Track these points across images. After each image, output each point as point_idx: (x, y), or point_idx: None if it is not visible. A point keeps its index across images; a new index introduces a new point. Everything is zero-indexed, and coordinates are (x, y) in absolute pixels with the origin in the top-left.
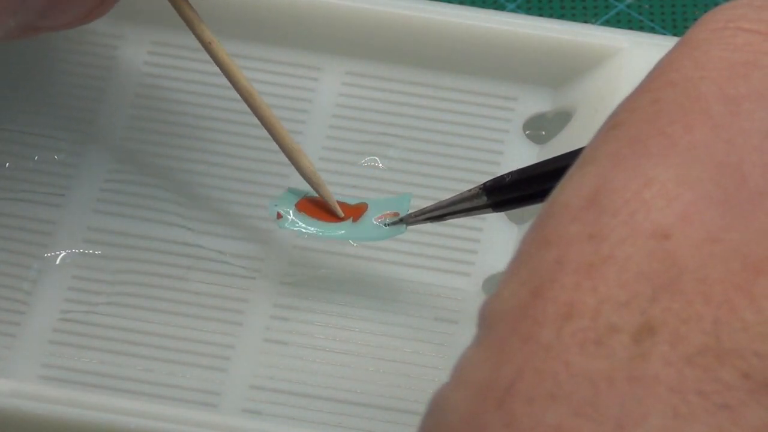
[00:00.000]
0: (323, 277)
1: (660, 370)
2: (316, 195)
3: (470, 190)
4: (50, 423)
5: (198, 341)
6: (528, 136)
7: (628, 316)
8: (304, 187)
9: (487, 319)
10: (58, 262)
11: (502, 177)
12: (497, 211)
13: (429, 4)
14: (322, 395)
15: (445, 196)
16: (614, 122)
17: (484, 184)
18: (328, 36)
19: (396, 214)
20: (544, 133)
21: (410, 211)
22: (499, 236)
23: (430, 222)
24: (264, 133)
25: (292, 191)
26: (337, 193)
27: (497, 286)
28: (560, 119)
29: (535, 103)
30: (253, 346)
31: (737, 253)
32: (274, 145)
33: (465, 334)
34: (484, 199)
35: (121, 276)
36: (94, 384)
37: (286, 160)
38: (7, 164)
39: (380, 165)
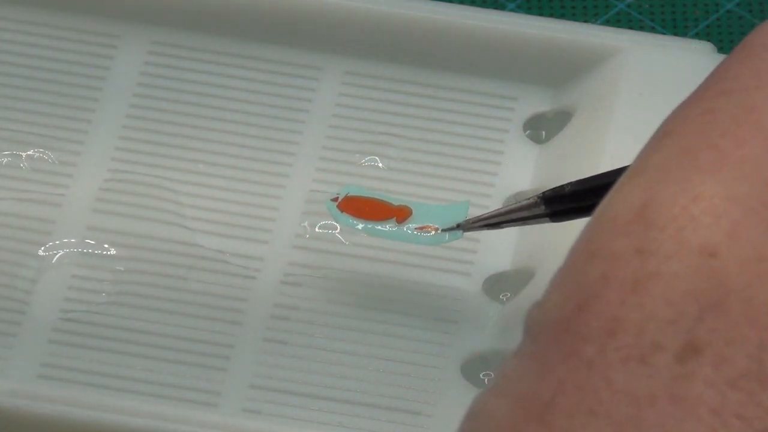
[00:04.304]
0: (323, 277)
1: (702, 392)
2: (357, 195)
3: (528, 199)
4: (50, 423)
5: (198, 341)
6: (528, 136)
7: (673, 335)
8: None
9: (530, 328)
10: (57, 261)
11: (561, 187)
12: (555, 221)
13: (429, 4)
14: (322, 395)
15: (446, 195)
16: (665, 131)
17: (543, 193)
18: (328, 36)
19: (436, 229)
20: (544, 133)
21: (469, 217)
22: (499, 236)
23: (487, 229)
24: (264, 132)
25: (345, 189)
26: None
27: (543, 296)
28: (560, 119)
29: (535, 103)
30: (253, 346)
31: None
32: (273, 145)
33: (465, 334)
34: (542, 209)
35: (120, 276)
36: (94, 384)
37: (286, 159)
38: (5, 161)
39: (380, 165)
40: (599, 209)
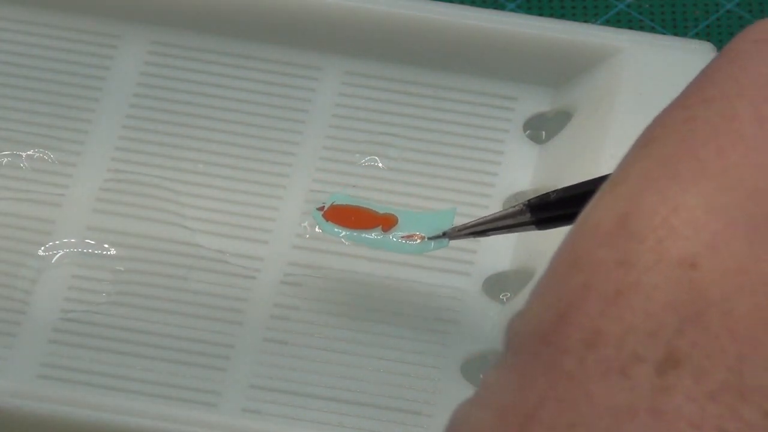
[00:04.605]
0: (323, 277)
1: (682, 405)
2: (343, 204)
3: (514, 207)
4: (50, 423)
5: (198, 341)
6: (528, 136)
7: (653, 347)
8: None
9: (512, 340)
10: (57, 261)
11: (546, 194)
12: (541, 229)
13: (429, 4)
14: (322, 395)
15: (446, 195)
16: (647, 139)
17: (529, 201)
18: (328, 36)
19: (422, 237)
20: (544, 133)
21: (454, 225)
22: (499, 236)
23: (473, 237)
24: (264, 132)
25: (331, 198)
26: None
27: (524, 305)
28: (560, 119)
29: (535, 103)
30: (253, 346)
31: (765, 285)
32: (273, 145)
33: (465, 334)
34: (527, 216)
35: (120, 276)
36: (93, 384)
37: (286, 159)
38: (5, 161)
39: (380, 165)
40: (581, 217)
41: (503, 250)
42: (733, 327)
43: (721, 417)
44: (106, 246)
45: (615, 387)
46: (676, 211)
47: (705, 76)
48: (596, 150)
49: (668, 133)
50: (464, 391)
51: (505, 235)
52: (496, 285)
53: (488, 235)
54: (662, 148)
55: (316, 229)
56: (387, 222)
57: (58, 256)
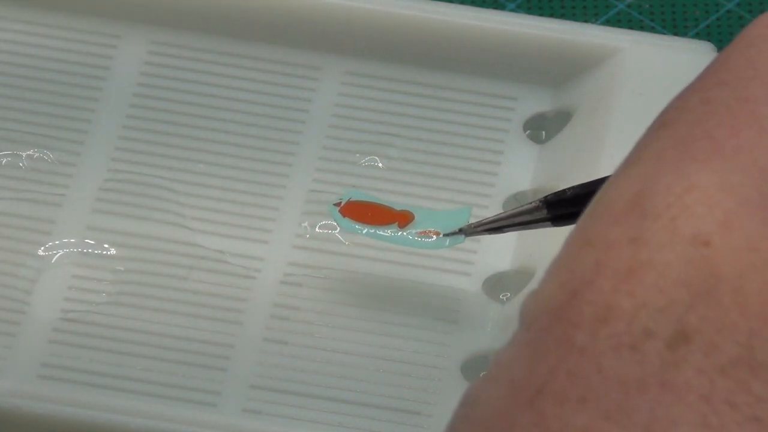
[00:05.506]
0: (323, 277)
1: (692, 379)
2: (359, 200)
3: (531, 203)
4: (50, 422)
5: (198, 341)
6: (528, 136)
7: (664, 323)
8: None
9: (525, 317)
10: (57, 261)
11: (563, 191)
12: (557, 226)
13: (429, 4)
14: (322, 395)
15: (445, 195)
16: (663, 121)
17: (545, 197)
18: (328, 36)
19: (437, 234)
20: (544, 133)
21: (471, 222)
22: (499, 236)
23: (489, 234)
24: (264, 132)
25: (348, 194)
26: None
27: (538, 284)
28: (560, 119)
29: (535, 103)
30: (253, 346)
31: None
32: (273, 145)
33: (465, 334)
34: (544, 213)
35: (121, 275)
36: (94, 384)
37: (286, 159)
38: (5, 161)
39: (380, 165)
40: (596, 198)
41: (503, 250)
42: (745, 303)
43: (731, 391)
44: (106, 246)
45: (626, 361)
46: (689, 189)
47: (720, 61)
48: (596, 150)
49: (682, 115)
50: (464, 391)
51: (505, 235)
52: (496, 285)
53: (504, 232)
54: (676, 130)
55: (317, 229)
56: (403, 219)
57: (58, 256)
